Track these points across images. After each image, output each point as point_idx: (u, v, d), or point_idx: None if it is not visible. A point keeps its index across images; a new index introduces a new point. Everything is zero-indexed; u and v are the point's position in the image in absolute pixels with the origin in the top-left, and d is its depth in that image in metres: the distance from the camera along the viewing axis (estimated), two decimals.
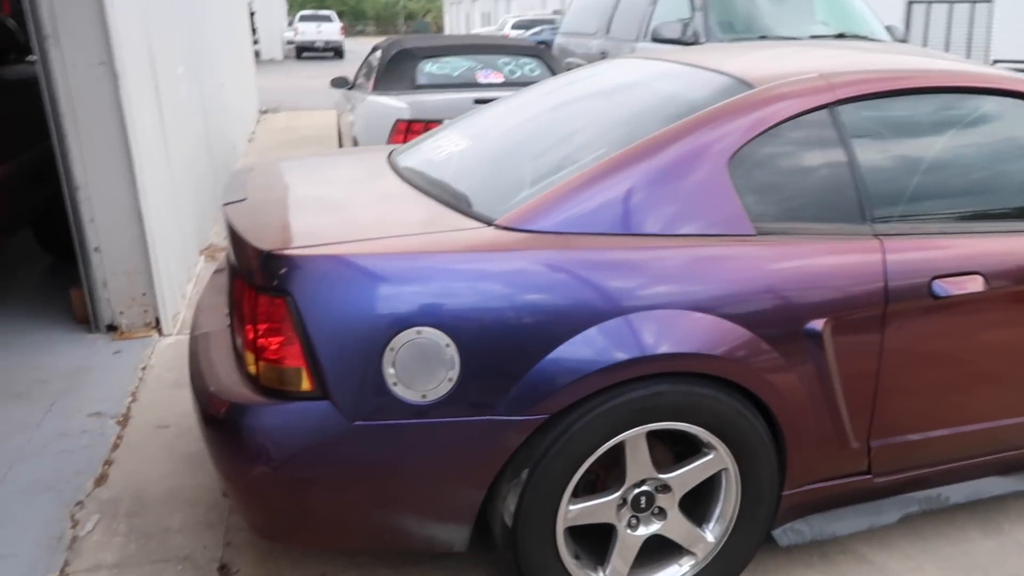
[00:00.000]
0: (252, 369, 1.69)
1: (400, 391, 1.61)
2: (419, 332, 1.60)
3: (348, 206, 1.98)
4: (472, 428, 1.65)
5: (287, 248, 1.64)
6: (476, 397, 1.64)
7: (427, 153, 2.38)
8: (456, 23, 52.34)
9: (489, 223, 1.78)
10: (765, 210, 1.86)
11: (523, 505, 1.70)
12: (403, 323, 1.60)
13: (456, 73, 5.43)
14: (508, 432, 1.66)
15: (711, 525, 1.90)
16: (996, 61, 10.69)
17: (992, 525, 2.29)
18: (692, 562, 1.91)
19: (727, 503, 1.88)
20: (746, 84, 2.01)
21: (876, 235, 1.90)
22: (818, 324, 1.81)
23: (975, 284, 1.93)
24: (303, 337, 1.60)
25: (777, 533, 1.98)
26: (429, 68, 5.39)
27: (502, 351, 1.63)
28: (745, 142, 1.88)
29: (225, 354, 1.89)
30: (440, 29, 55.10)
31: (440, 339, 1.61)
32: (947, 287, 1.91)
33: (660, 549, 1.91)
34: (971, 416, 2.06)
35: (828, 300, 1.82)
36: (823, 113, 1.97)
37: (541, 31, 19.60)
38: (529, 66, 5.64)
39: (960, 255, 1.94)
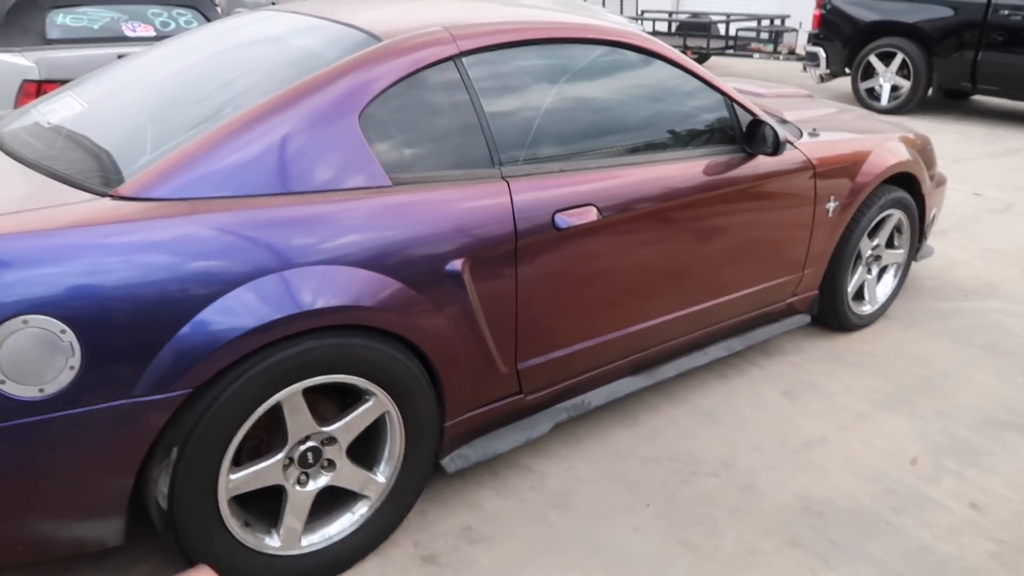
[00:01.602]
0: None
1: (11, 389, 1.45)
2: (25, 321, 1.45)
3: None
4: (106, 416, 1.54)
5: None
6: (107, 382, 1.53)
7: (36, 120, 2.12)
8: None
9: (104, 194, 1.64)
10: (400, 161, 1.94)
11: (177, 484, 1.64)
12: (4, 313, 1.43)
13: (96, 26, 4.84)
14: (149, 413, 1.58)
15: (381, 467, 1.99)
16: (644, 12, 12.01)
17: (630, 418, 2.68)
18: (367, 505, 1.99)
19: (393, 443, 1.98)
20: (374, 37, 2.06)
21: (504, 177, 2.08)
22: (457, 265, 1.94)
23: (591, 214, 2.20)
24: None
25: (445, 461, 2.13)
26: (61, 20, 4.74)
27: (130, 330, 1.53)
28: (375, 95, 1.93)
29: None
30: None
31: (53, 326, 1.47)
32: (567, 219, 2.15)
33: (333, 498, 1.97)
34: (602, 328, 2.37)
35: (464, 242, 1.96)
36: (448, 65, 2.08)
37: None
38: (184, 17, 5.21)
39: (577, 191, 2.19)
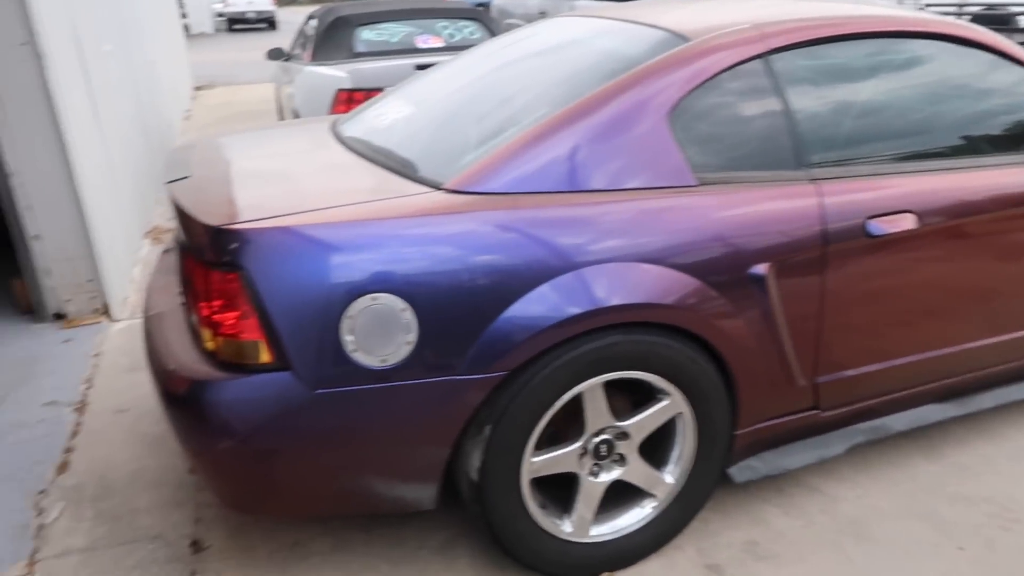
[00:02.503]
0: (210, 345, 1.69)
1: (360, 357, 1.63)
2: (375, 299, 1.62)
3: (296, 177, 1.97)
4: (433, 389, 1.68)
5: (237, 222, 1.63)
6: (435, 359, 1.67)
7: (371, 121, 2.37)
8: None
9: (437, 187, 1.79)
10: (705, 160, 1.91)
11: (488, 460, 1.75)
12: (359, 290, 1.61)
13: (395, 39, 5.36)
14: (469, 391, 1.69)
15: (670, 467, 1.97)
16: (928, 5, 10.91)
17: (934, 450, 2.42)
18: (654, 504, 1.98)
19: (684, 446, 1.96)
20: (682, 37, 2.05)
21: (812, 180, 1.97)
22: (761, 268, 1.87)
23: (907, 222, 2.02)
24: (259, 310, 1.61)
25: (733, 471, 2.06)
26: (367, 35, 5.31)
27: (458, 312, 1.66)
28: (683, 95, 1.92)
29: (181, 333, 1.88)
30: None
31: (396, 304, 1.63)
32: (881, 226, 1.99)
33: (623, 493, 1.98)
34: (911, 348, 2.17)
35: (770, 245, 1.88)
36: (757, 63, 2.01)
37: None
38: (468, 29, 5.60)
39: (892, 195, 2.02)
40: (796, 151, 1.98)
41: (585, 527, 1.92)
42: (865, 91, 2.11)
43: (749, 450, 2.08)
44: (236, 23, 26.60)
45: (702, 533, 2.09)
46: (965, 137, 2.19)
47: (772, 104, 1.99)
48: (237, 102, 10.22)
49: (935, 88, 2.20)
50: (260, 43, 19.77)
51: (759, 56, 2.01)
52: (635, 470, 1.94)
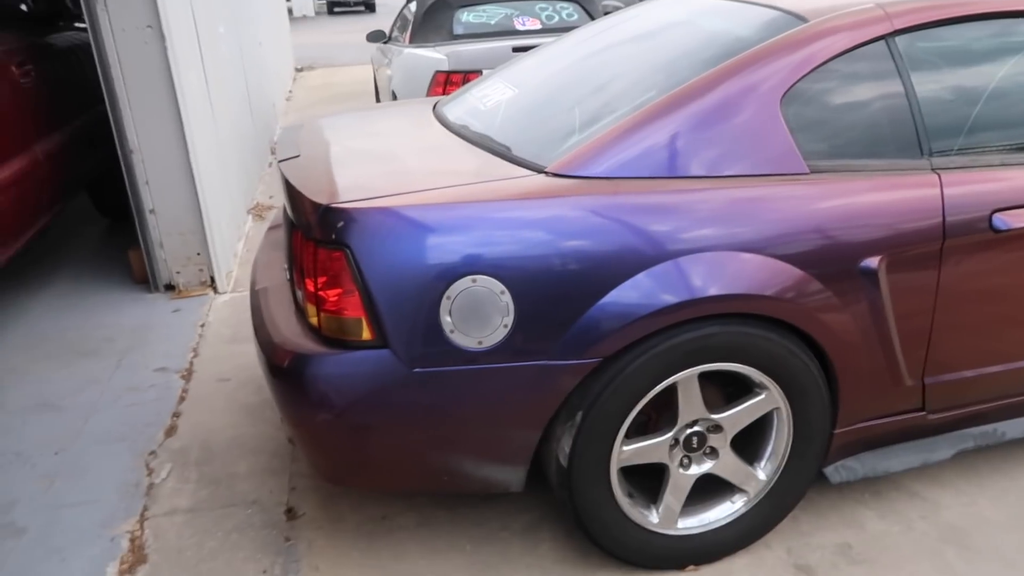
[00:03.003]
0: (314, 320, 1.75)
1: (457, 338, 1.66)
2: (474, 280, 1.64)
3: (400, 159, 2.01)
4: (527, 372, 1.69)
5: (344, 201, 1.68)
6: (530, 343, 1.67)
7: (473, 103, 2.39)
8: None
9: (540, 170, 1.79)
10: (819, 147, 1.83)
11: (577, 446, 1.75)
12: (458, 271, 1.63)
13: (493, 21, 5.37)
14: (562, 376, 1.69)
15: (762, 464, 1.93)
16: None
17: None
18: (744, 499, 1.94)
19: (778, 442, 1.90)
20: (799, 18, 1.97)
21: (934, 169, 1.87)
22: (873, 262, 1.79)
23: None
24: (362, 288, 1.65)
25: (829, 471, 2.00)
26: (466, 17, 5.34)
27: (555, 297, 1.66)
28: (798, 79, 1.84)
29: (286, 307, 1.95)
30: None
31: (495, 286, 1.64)
32: (1008, 220, 1.87)
33: (712, 487, 1.95)
34: None
35: (883, 237, 1.80)
36: (879, 45, 1.91)
37: None
38: (567, 11, 5.55)
39: (1022, 187, 1.90)
40: (918, 139, 1.88)
41: (672, 519, 1.90)
42: (995, 76, 1.98)
43: (848, 450, 2.00)
44: (336, 6, 27.28)
45: (793, 533, 2.04)
46: None
47: (894, 88, 1.89)
48: (336, 83, 10.49)
49: None
50: (359, 25, 20.19)
51: (882, 37, 1.91)
52: (726, 464, 1.90)
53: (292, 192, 1.85)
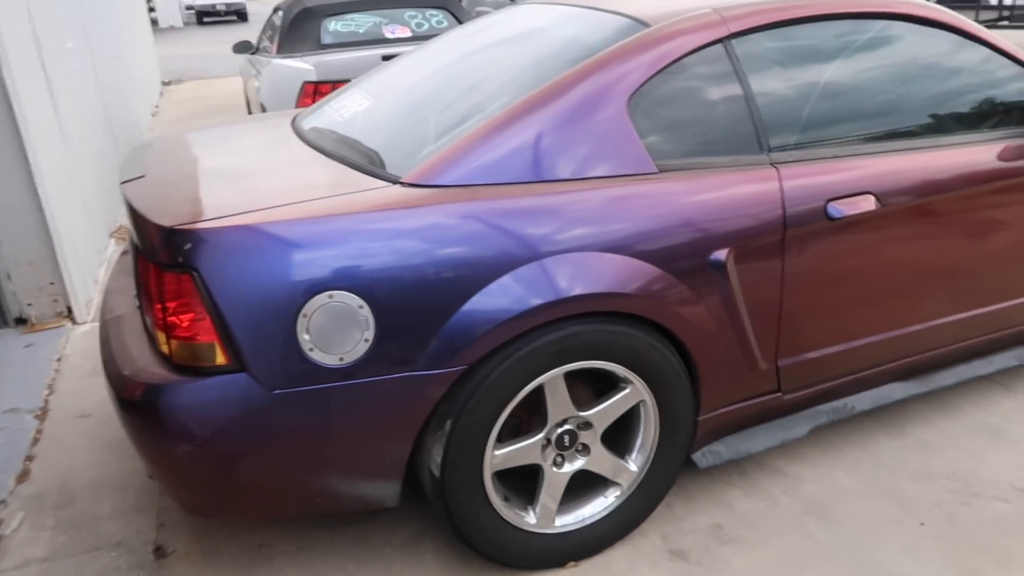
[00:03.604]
0: (165, 348, 1.67)
1: (317, 356, 1.62)
2: (331, 296, 1.60)
3: (252, 175, 1.95)
4: (393, 385, 1.67)
5: (190, 222, 1.61)
6: (394, 355, 1.66)
7: (331, 115, 2.35)
8: None
9: (395, 181, 1.78)
10: (666, 147, 1.90)
11: (449, 455, 1.74)
12: (314, 288, 1.60)
13: (362, 30, 5.30)
14: (429, 386, 1.69)
15: (633, 455, 1.98)
16: None
17: (896, 427, 2.45)
18: (618, 492, 1.99)
19: (647, 433, 1.96)
20: (642, 23, 2.04)
21: (773, 163, 1.97)
22: (721, 255, 1.88)
23: (868, 203, 2.03)
24: (213, 312, 1.59)
25: (696, 456, 2.08)
26: (334, 27, 5.25)
27: (417, 307, 1.65)
28: (643, 81, 1.91)
29: (137, 335, 1.85)
30: None
31: (353, 301, 1.61)
32: (841, 208, 2.00)
33: (587, 483, 1.99)
34: (871, 328, 2.18)
35: (730, 231, 1.89)
36: (718, 47, 2.01)
37: None
38: (436, 18, 5.55)
39: (853, 177, 2.03)
40: (757, 135, 1.98)
41: (550, 518, 1.93)
42: (826, 74, 2.12)
43: (713, 435, 2.09)
44: (206, 16, 26.25)
45: (667, 519, 2.11)
46: (925, 118, 2.20)
47: (733, 88, 1.99)
48: (206, 97, 10.09)
49: (895, 69, 2.21)
50: (230, 36, 19.52)
51: (720, 40, 2.01)
52: (599, 459, 1.94)
53: (135, 214, 1.76)
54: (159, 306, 1.65)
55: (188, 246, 1.59)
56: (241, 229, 1.60)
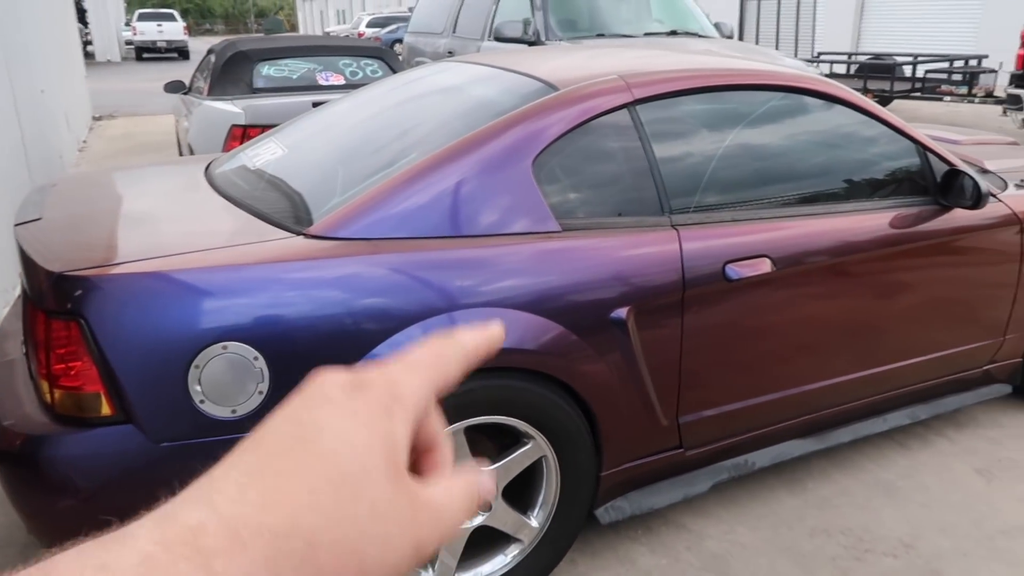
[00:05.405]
0: (47, 398, 1.61)
1: (208, 408, 1.59)
2: (225, 347, 1.58)
3: (153, 221, 1.92)
4: None
5: (79, 269, 1.58)
6: None
7: (243, 162, 2.34)
8: (310, 21, 51.00)
9: (299, 233, 1.78)
10: (570, 207, 1.95)
11: None
12: (207, 339, 1.57)
13: (295, 76, 5.31)
14: None
15: (535, 511, 1.98)
16: (820, 54, 11.56)
17: (798, 484, 2.51)
18: (518, 549, 1.98)
19: (548, 489, 1.97)
20: (551, 86, 2.10)
21: (673, 225, 2.04)
22: (622, 313, 1.92)
23: (764, 266, 2.11)
24: (100, 361, 1.55)
25: (599, 512, 2.09)
26: (267, 71, 5.24)
27: (312, 360, 1.63)
28: (549, 142, 1.97)
29: (23, 384, 1.78)
30: (294, 27, 53.46)
31: (247, 352, 1.59)
32: (738, 270, 2.07)
33: (488, 539, 1.98)
34: (771, 386, 2.25)
35: (631, 290, 1.94)
36: (622, 112, 2.08)
37: (397, 29, 19.41)
38: (371, 67, 5.60)
39: (750, 240, 2.12)
40: (659, 198, 2.05)
41: (449, 575, 1.90)
42: (726, 141, 2.21)
43: (616, 490, 2.11)
44: (145, 52, 25.91)
45: (569, 574, 2.10)
46: (820, 185, 2.32)
47: (636, 152, 2.06)
48: (139, 133, 9.91)
49: (793, 139, 2.33)
50: (170, 73, 19.25)
51: (625, 105, 2.09)
52: (500, 515, 1.94)
53: (25, 259, 1.71)
54: (43, 353, 1.60)
55: (77, 292, 1.55)
56: (133, 276, 1.57)
